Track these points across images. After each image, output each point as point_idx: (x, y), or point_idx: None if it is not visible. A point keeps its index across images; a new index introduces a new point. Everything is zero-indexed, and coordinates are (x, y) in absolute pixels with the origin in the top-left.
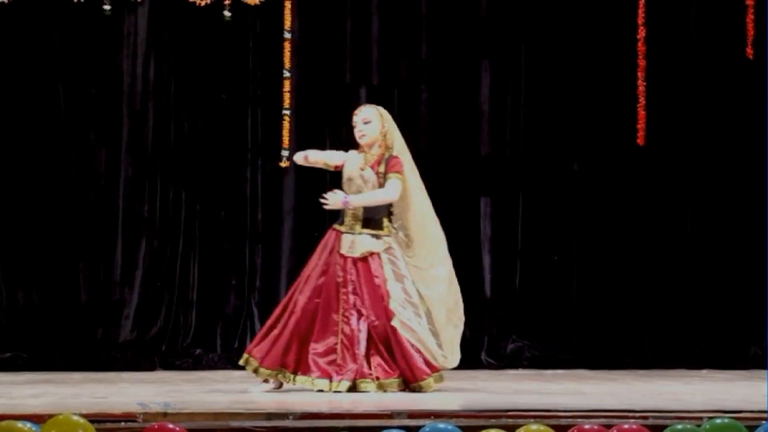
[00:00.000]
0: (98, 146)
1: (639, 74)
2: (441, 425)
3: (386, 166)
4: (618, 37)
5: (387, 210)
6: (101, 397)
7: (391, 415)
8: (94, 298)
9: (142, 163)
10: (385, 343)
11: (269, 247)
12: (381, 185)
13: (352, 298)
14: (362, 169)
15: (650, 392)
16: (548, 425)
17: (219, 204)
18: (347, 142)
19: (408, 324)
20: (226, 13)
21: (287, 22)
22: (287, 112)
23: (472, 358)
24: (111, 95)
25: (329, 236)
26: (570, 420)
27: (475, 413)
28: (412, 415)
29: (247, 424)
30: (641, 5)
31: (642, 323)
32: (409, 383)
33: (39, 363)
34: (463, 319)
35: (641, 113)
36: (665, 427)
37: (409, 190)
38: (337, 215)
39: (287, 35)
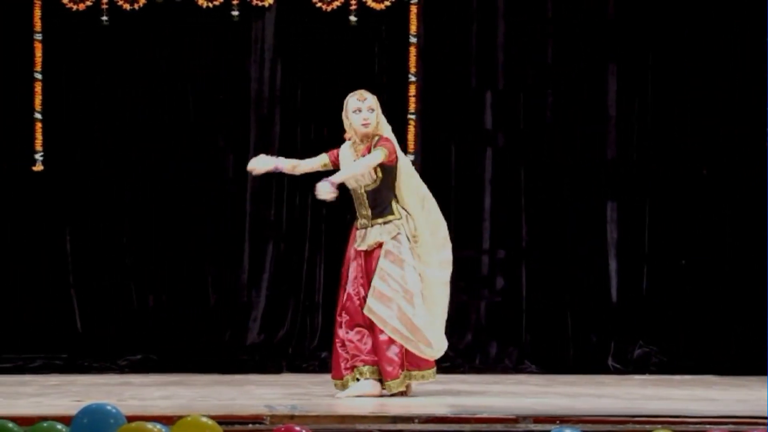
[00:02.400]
0: (226, 152)
1: None
2: (567, 430)
3: (375, 147)
4: (747, 39)
5: (391, 194)
6: (229, 399)
7: (516, 419)
8: (222, 302)
9: None
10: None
11: None
12: (375, 171)
13: (352, 293)
14: (355, 161)
15: None
16: (676, 431)
17: (344, 208)
18: (473, 143)
19: (381, 317)
20: (352, 18)
21: (413, 27)
22: (413, 116)
23: (598, 362)
24: (239, 101)
25: (351, 235)
26: (698, 426)
27: (601, 418)
28: (537, 419)
29: (373, 427)
30: None
31: None
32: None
33: (168, 365)
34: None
35: None
36: None
37: (402, 169)
38: None
39: (413, 40)
